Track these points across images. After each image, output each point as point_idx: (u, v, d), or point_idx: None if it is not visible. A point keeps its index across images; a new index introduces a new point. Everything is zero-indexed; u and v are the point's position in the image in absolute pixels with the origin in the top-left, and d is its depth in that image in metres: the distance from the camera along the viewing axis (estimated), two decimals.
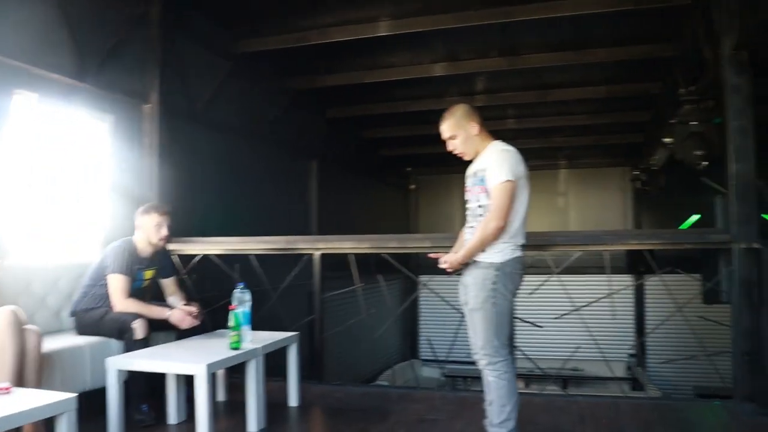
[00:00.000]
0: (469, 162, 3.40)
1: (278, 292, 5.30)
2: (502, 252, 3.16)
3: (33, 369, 3.16)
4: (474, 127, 3.28)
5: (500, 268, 3.14)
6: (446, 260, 3.22)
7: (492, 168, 3.16)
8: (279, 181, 8.93)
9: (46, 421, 2.77)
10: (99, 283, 4.20)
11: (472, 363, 3.28)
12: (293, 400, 4.32)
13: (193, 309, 4.21)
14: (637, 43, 7.14)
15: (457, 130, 3.29)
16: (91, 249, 4.96)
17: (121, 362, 3.56)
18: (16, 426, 2.62)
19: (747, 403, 4.03)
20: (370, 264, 5.76)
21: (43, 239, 4.66)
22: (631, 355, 12.42)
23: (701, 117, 6.76)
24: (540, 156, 14.15)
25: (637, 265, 11.54)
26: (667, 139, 7.96)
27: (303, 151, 9.75)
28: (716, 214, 6.12)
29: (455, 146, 3.32)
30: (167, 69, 5.70)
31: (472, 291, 3.18)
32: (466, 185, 3.37)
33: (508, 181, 3.11)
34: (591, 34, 7.07)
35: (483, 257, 3.17)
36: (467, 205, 3.35)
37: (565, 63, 7.67)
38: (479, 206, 3.23)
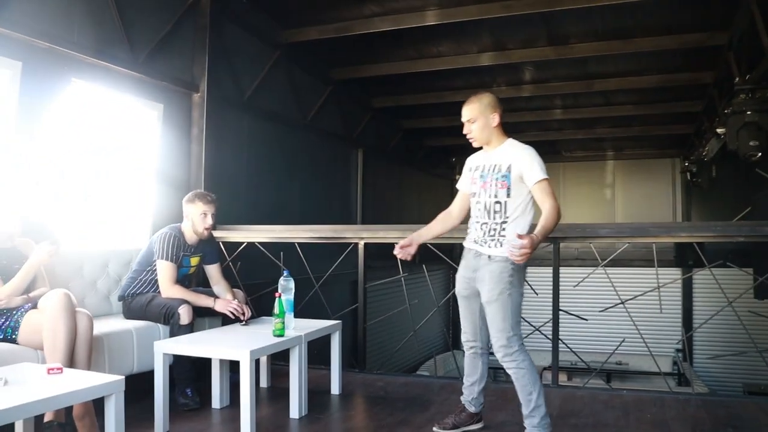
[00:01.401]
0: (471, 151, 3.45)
1: (321, 280, 5.33)
2: (507, 246, 3.14)
3: (83, 351, 3.23)
4: (495, 118, 3.29)
5: (514, 263, 3.12)
6: (526, 245, 2.98)
7: (529, 165, 3.16)
8: (324, 170, 8.99)
9: (95, 402, 2.84)
10: (147, 269, 4.29)
11: None
12: (335, 388, 4.36)
13: (237, 304, 4.24)
14: (688, 32, 6.96)
15: (479, 116, 3.29)
16: (140, 236, 5.07)
17: (167, 346, 3.62)
18: (68, 405, 2.70)
19: None
20: (414, 254, 5.75)
21: (94, 226, 4.77)
22: (678, 350, 12.20)
23: (757, 107, 6.57)
24: (586, 147, 14.00)
25: (686, 258, 11.33)
26: (719, 130, 7.76)
27: (348, 140, 9.79)
28: None
29: (471, 130, 3.31)
30: (216, 58, 5.77)
31: (488, 284, 3.19)
32: (474, 176, 3.36)
33: (547, 179, 3.15)
34: (637, 22, 6.92)
35: (498, 252, 3.18)
36: (476, 198, 3.33)
37: (612, 53, 7.54)
38: (496, 202, 3.23)
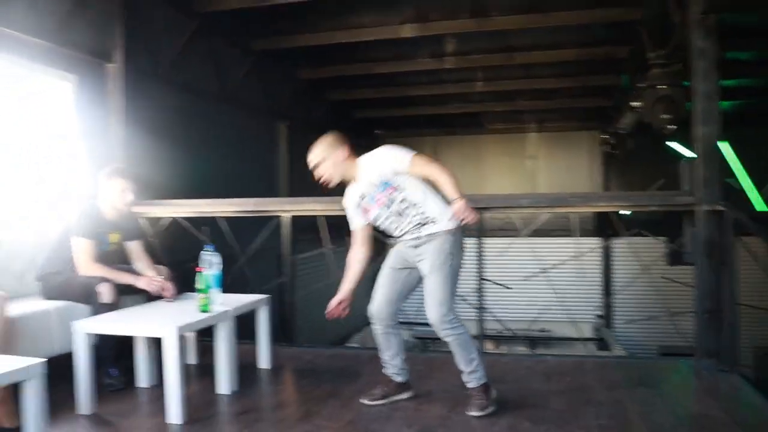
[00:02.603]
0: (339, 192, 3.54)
1: (247, 254, 5.28)
2: (451, 220, 3.27)
3: None
4: (341, 153, 3.37)
5: (453, 233, 3.27)
6: (460, 208, 3.15)
7: (392, 159, 3.27)
8: (248, 144, 8.85)
9: (12, 387, 2.74)
10: (64, 246, 4.14)
11: None
12: (264, 363, 4.34)
13: (161, 281, 4.15)
14: (605, 6, 7.14)
15: (325, 159, 3.37)
16: (56, 213, 4.88)
17: (88, 325, 3.51)
18: None
19: (707, 359, 4.14)
20: (342, 227, 5.74)
21: (4, 203, 4.57)
22: (599, 316, 12.65)
23: (669, 81, 6.80)
24: (508, 119, 14.20)
25: (604, 228, 11.72)
26: (635, 103, 8.01)
27: (272, 112, 9.66)
28: (682, 177, 6.21)
29: (323, 173, 3.38)
30: (131, 27, 5.56)
31: (430, 257, 3.27)
32: (363, 205, 3.41)
33: (414, 153, 3.27)
34: None
35: (436, 229, 3.27)
36: (381, 219, 3.39)
37: (533, 26, 7.67)
38: (402, 201, 3.30)
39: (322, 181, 3.41)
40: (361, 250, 3.53)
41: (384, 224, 3.42)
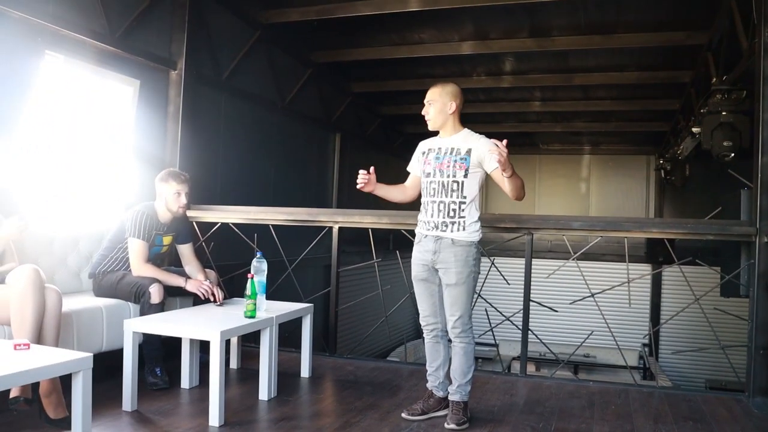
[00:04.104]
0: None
1: (295, 263, 5.32)
2: (478, 232, 3.43)
3: (52, 328, 3.19)
4: (452, 106, 3.47)
5: (477, 246, 3.43)
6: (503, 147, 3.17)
7: (485, 152, 3.33)
8: (301, 153, 8.95)
9: (62, 379, 2.81)
10: (118, 246, 4.25)
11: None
12: (305, 371, 4.36)
13: (209, 286, 4.22)
14: (669, 30, 7.02)
15: (438, 99, 3.49)
16: (113, 213, 5.01)
17: (136, 325, 3.60)
18: (34, 381, 2.67)
19: (760, 396, 4.00)
20: (388, 240, 5.77)
21: (66, 201, 4.71)
22: (644, 345, 12.37)
23: (732, 107, 6.64)
24: (563, 140, 14.06)
25: (656, 254, 11.47)
26: (695, 129, 7.83)
27: (326, 124, 9.74)
28: (741, 206, 6.04)
29: (428, 112, 3.52)
30: (194, 35, 5.69)
31: (456, 267, 3.36)
32: (428, 158, 3.50)
33: None
34: (620, 18, 6.96)
35: (463, 236, 3.38)
36: (430, 178, 3.47)
37: (593, 47, 7.57)
38: (454, 181, 3.39)
39: (426, 119, 3.54)
40: (406, 188, 3.71)
41: (427, 188, 3.48)
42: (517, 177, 3.31)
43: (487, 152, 3.31)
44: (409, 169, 3.72)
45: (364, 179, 3.55)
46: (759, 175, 4.18)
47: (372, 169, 3.59)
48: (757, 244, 4.15)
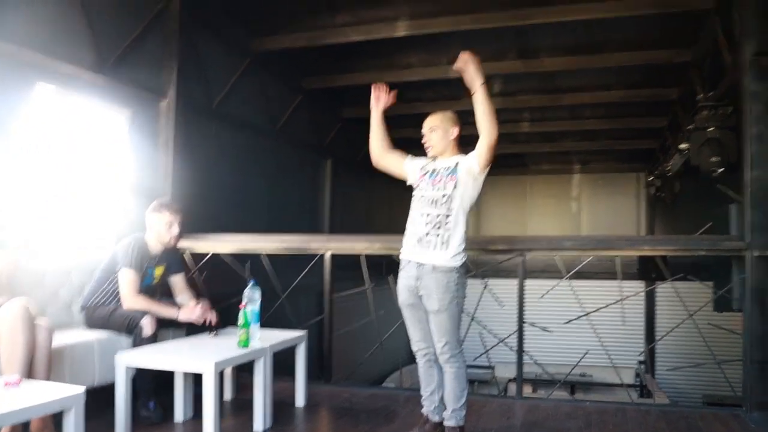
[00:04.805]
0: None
1: (287, 291, 5.30)
2: (460, 255, 3.39)
3: (42, 363, 3.16)
4: (454, 132, 3.53)
5: (459, 271, 3.38)
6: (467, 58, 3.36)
7: (473, 164, 3.39)
8: (293, 179, 8.95)
9: (54, 415, 2.78)
10: (110, 278, 4.22)
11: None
12: (300, 400, 4.33)
13: (201, 308, 4.19)
14: (654, 48, 7.09)
15: (440, 126, 3.52)
16: (104, 244, 4.98)
17: (130, 358, 3.56)
18: (25, 420, 2.64)
19: (757, 411, 3.99)
20: (381, 265, 5.75)
21: (57, 233, 4.68)
22: (641, 362, 12.34)
23: (719, 123, 6.70)
24: (553, 160, 14.12)
25: (648, 271, 11.47)
26: (683, 145, 7.89)
27: (317, 150, 9.77)
28: (730, 221, 6.06)
29: (430, 139, 3.53)
30: (185, 64, 5.71)
31: (437, 294, 3.34)
32: (423, 171, 3.53)
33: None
34: (607, 38, 7.04)
35: (444, 262, 3.36)
36: (421, 192, 3.49)
37: (581, 67, 7.63)
38: (444, 195, 3.40)
39: (425, 144, 3.56)
40: (386, 146, 3.72)
41: (417, 203, 3.50)
42: (489, 96, 3.37)
43: (470, 162, 3.37)
44: (405, 159, 3.68)
45: (380, 92, 3.67)
46: (747, 190, 4.21)
47: (394, 92, 3.69)
48: (747, 258, 4.17)
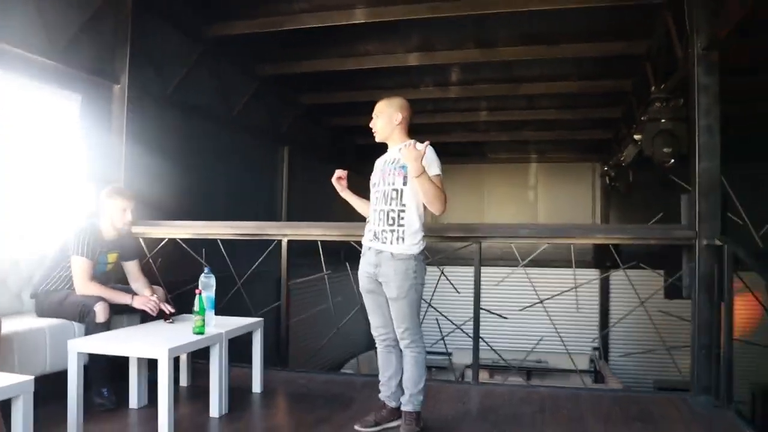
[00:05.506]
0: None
1: (244, 277, 5.27)
2: (418, 244, 3.42)
3: None
4: (398, 117, 3.53)
5: (417, 258, 3.41)
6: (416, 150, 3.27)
7: (428, 161, 3.34)
8: (249, 167, 8.87)
9: (1, 404, 2.72)
10: (62, 264, 4.14)
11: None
12: (257, 386, 4.31)
13: (156, 300, 4.14)
14: (609, 40, 7.20)
15: (384, 112, 3.56)
16: (55, 231, 4.87)
17: (82, 345, 3.50)
18: None
19: (704, 395, 4.11)
20: (339, 252, 5.75)
21: (4, 221, 4.57)
22: (595, 349, 12.59)
23: (671, 115, 6.84)
24: (511, 149, 14.24)
25: (603, 259, 11.70)
26: (636, 136, 8.04)
27: (274, 136, 9.70)
28: (682, 211, 6.21)
29: (375, 124, 3.59)
30: (138, 50, 5.60)
31: (395, 282, 3.37)
32: (377, 169, 3.59)
33: (440, 176, 3.40)
34: (563, 29, 7.11)
35: (402, 250, 3.38)
36: (375, 188, 3.53)
37: (537, 57, 7.72)
38: (393, 189, 3.42)
39: (373, 132, 3.61)
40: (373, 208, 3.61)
41: (372, 198, 3.54)
42: (429, 183, 3.27)
43: (426, 161, 3.32)
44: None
45: (341, 175, 3.70)
46: (696, 180, 4.31)
47: (345, 173, 3.70)
48: (697, 247, 4.27)
